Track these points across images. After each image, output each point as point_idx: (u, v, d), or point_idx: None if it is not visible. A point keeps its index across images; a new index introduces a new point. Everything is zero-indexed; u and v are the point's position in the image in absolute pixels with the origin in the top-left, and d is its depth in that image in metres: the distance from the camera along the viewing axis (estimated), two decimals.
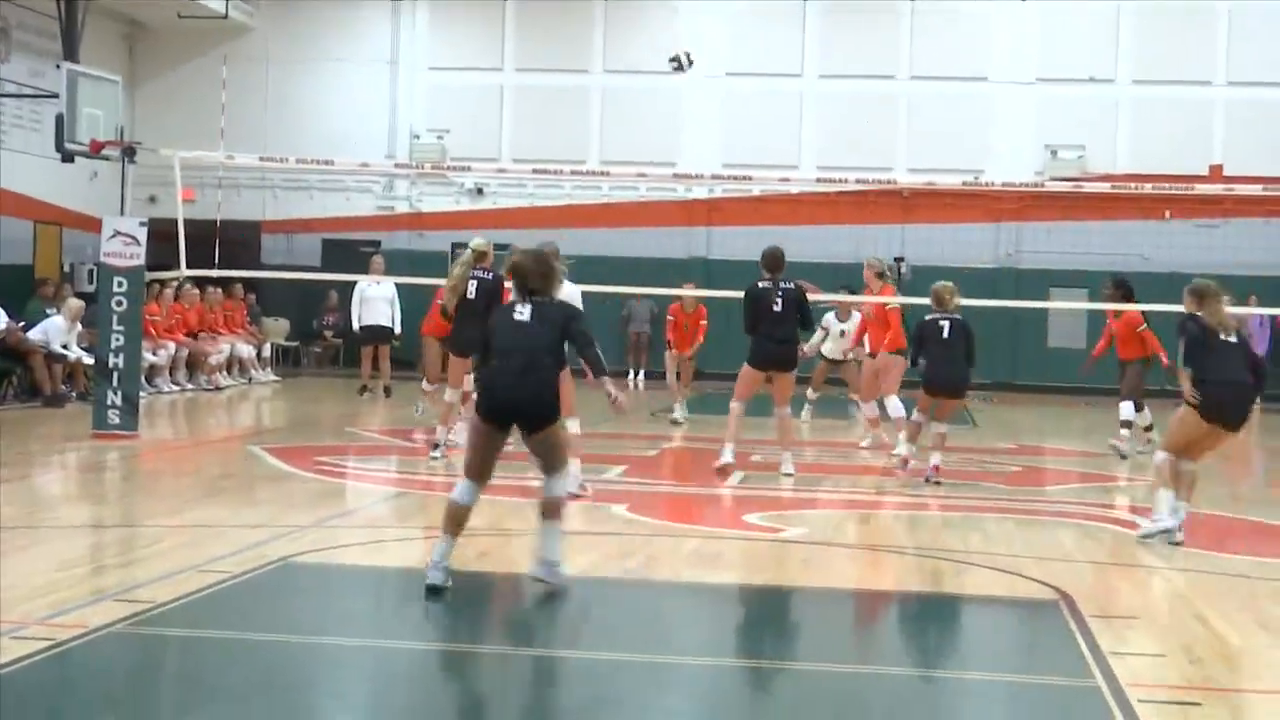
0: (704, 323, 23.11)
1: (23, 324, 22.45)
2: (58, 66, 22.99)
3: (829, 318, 21.76)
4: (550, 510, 9.55)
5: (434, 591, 9.08)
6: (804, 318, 15.82)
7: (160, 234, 19.24)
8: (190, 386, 25.40)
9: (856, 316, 20.95)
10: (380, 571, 10.18)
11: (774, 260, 15.83)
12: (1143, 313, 18.97)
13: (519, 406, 9.27)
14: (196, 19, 31.41)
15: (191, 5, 30.78)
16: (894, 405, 18.09)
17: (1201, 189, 25.62)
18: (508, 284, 9.87)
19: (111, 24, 31.68)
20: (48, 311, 22.86)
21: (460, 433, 17.19)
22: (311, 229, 32.78)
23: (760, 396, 16.17)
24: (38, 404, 21.45)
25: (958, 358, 15.54)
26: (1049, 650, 8.69)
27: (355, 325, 25.33)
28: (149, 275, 18.80)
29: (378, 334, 24.78)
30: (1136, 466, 17.62)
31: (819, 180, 29.03)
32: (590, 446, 17.53)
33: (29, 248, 29.15)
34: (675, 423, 21.54)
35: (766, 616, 9.84)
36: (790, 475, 15.73)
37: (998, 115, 31.86)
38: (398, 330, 25.10)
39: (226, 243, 23.05)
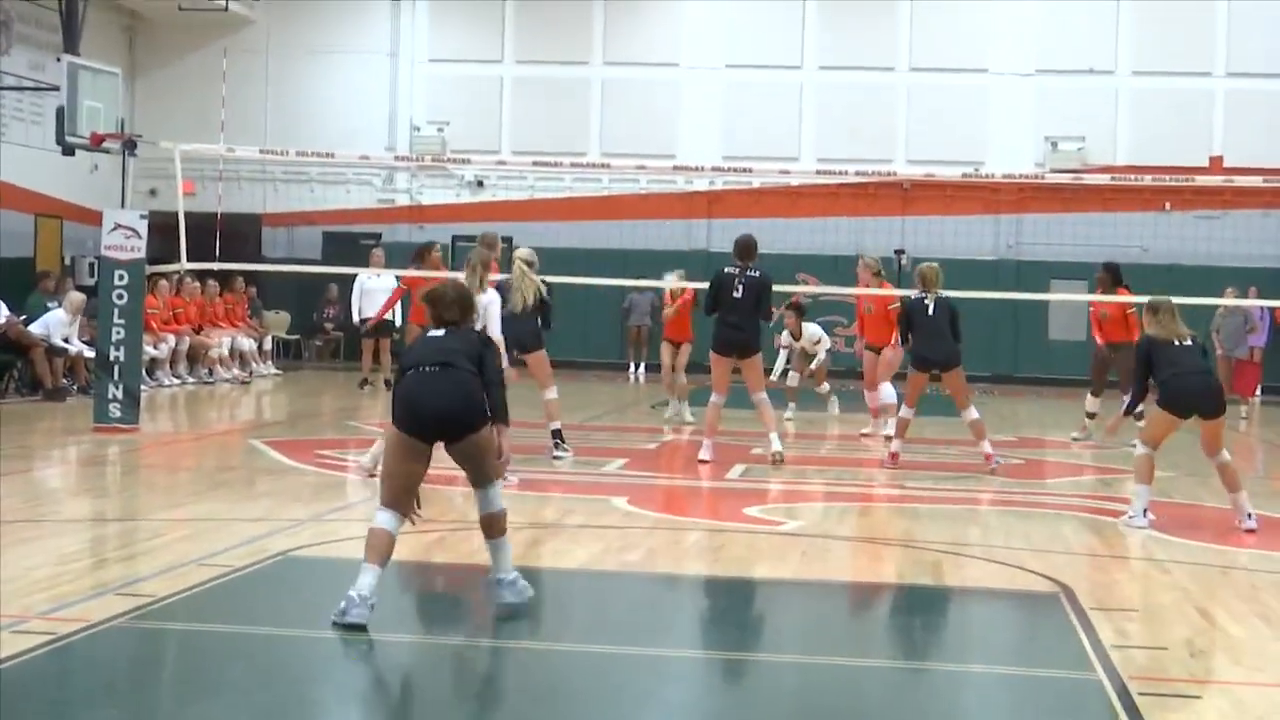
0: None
1: (23, 317, 22.46)
2: (58, 59, 22.97)
3: (785, 336, 22.08)
4: (491, 527, 8.82)
5: (356, 629, 8.12)
6: (762, 308, 15.97)
7: (161, 227, 19.28)
8: (191, 380, 25.41)
9: (812, 329, 22.09)
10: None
11: (744, 249, 16.17)
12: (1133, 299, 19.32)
13: (440, 413, 8.52)
14: (197, 11, 31.41)
15: None
16: (887, 391, 19.07)
17: (1201, 180, 25.66)
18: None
19: (112, 16, 31.69)
20: (48, 305, 22.87)
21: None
22: (312, 222, 32.81)
23: (742, 391, 16.36)
24: (38, 397, 21.46)
25: (943, 333, 16.29)
26: (1049, 643, 8.69)
27: (356, 318, 25.34)
28: (149, 268, 18.81)
29: (378, 327, 24.77)
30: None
31: (819, 172, 28.98)
32: (591, 440, 17.61)
33: (30, 241, 29.17)
34: (687, 422, 20.48)
35: (767, 609, 9.85)
36: (779, 452, 15.93)
37: (997, 107, 31.87)
38: (398, 323, 25.08)
39: (227, 236, 23.01)
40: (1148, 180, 22.90)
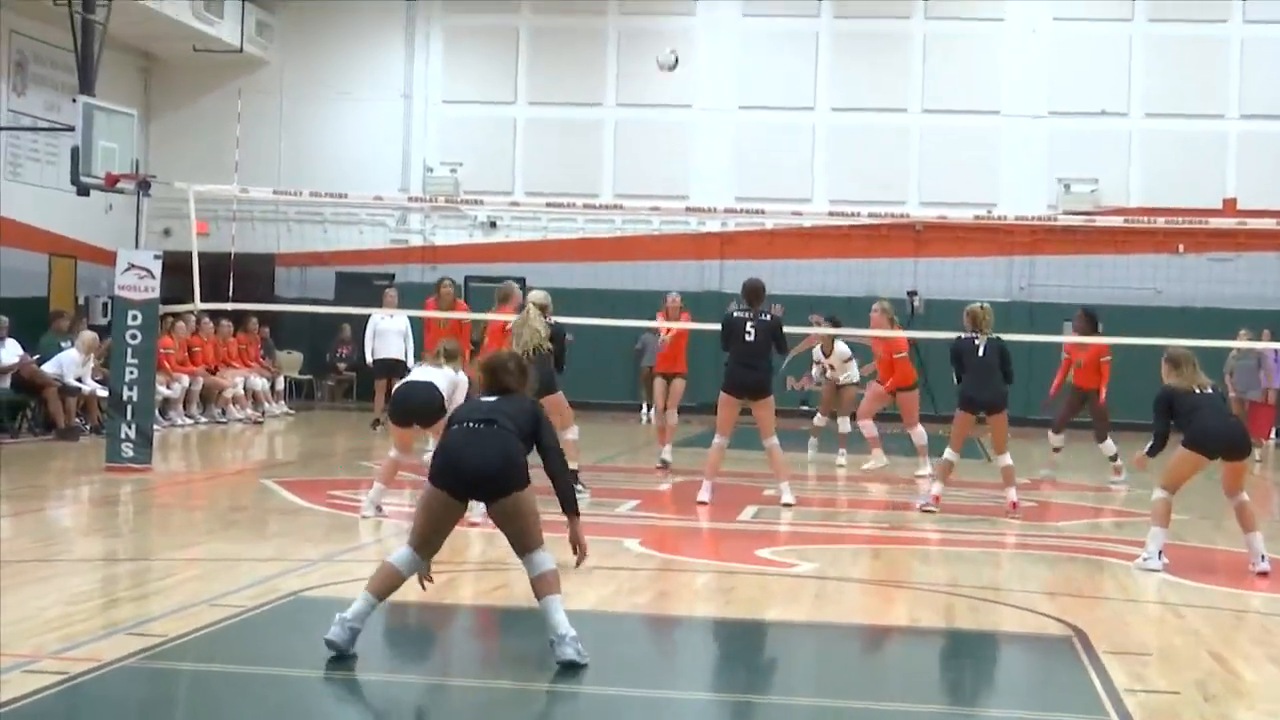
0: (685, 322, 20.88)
1: (37, 357, 22.51)
2: (74, 100, 23.08)
3: (817, 352, 22.00)
4: (544, 586, 8.57)
5: (331, 646, 8.29)
6: (779, 345, 16.19)
7: (174, 267, 19.31)
8: (204, 420, 25.44)
9: (842, 349, 21.64)
10: (391, 606, 10.15)
11: (752, 293, 16.31)
12: (1109, 346, 20.01)
13: (476, 470, 8.41)
14: (211, 53, 31.57)
15: (207, 39, 30.95)
16: (919, 434, 19.68)
17: (1215, 223, 25.62)
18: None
19: (127, 58, 31.84)
20: (62, 345, 22.91)
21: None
22: (325, 262, 32.86)
23: (751, 433, 16.34)
24: (51, 437, 21.50)
25: (994, 374, 16.17)
26: (1062, 687, 8.65)
27: (368, 358, 25.37)
28: (163, 308, 18.85)
29: (391, 367, 24.77)
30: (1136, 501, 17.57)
31: (831, 214, 29.11)
32: (603, 481, 17.58)
33: (44, 280, 29.26)
34: (663, 462, 19.82)
35: (779, 652, 9.82)
36: (790, 505, 15.92)
37: (1010, 149, 31.91)
38: (411, 363, 25.07)
39: (240, 276, 23.06)
40: (1161, 222, 22.87)
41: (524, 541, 8.57)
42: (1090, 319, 20.19)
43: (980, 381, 16.13)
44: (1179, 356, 13.01)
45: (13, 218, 27.80)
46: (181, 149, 31.81)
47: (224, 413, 26.08)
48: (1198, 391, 12.77)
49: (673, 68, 22.79)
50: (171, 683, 8.12)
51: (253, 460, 21.66)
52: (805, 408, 29.80)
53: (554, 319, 15.95)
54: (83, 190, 21.73)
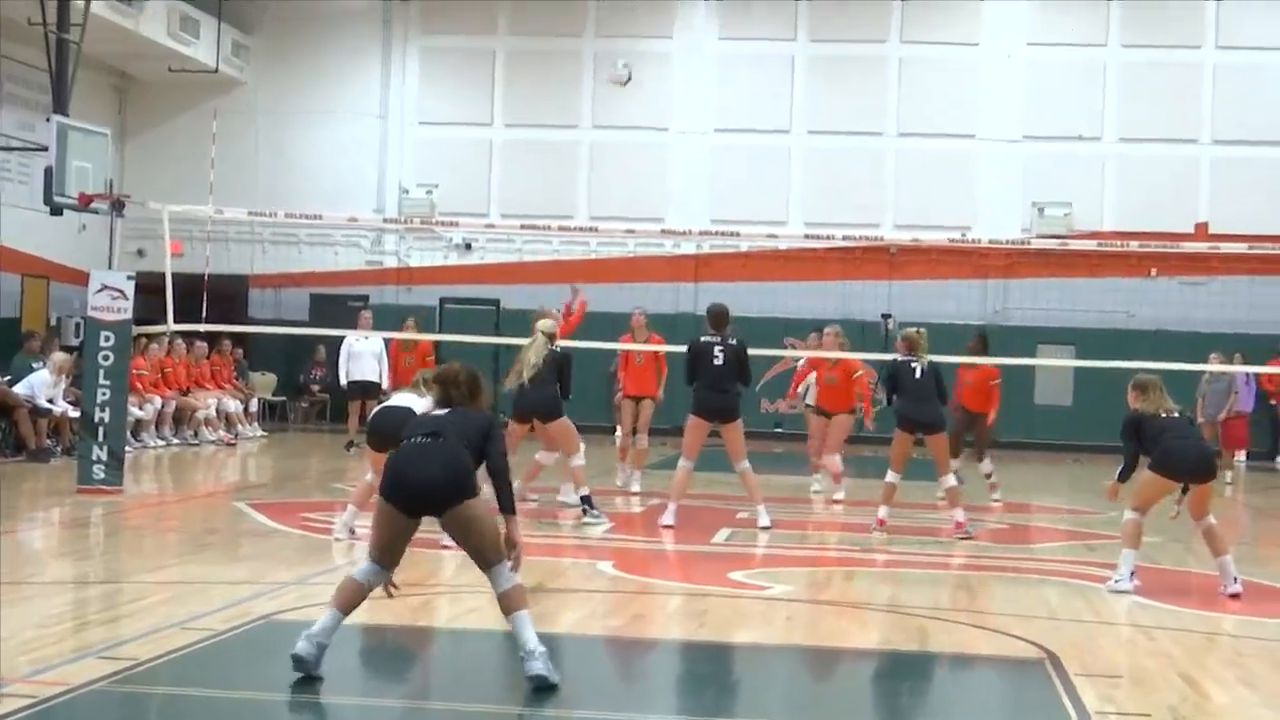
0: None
1: (8, 378, 22.42)
2: (47, 119, 23.00)
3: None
4: (510, 602, 8.54)
5: (298, 662, 8.29)
6: (743, 373, 16.36)
7: (148, 287, 19.24)
8: (176, 441, 25.36)
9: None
10: (363, 629, 10.13)
11: (717, 318, 16.46)
12: (999, 368, 20.20)
13: (420, 483, 8.40)
14: (187, 73, 31.52)
15: (182, 59, 30.90)
16: (835, 460, 19.32)
17: (1188, 247, 25.77)
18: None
19: (102, 77, 31.79)
20: (34, 366, 22.82)
21: (568, 494, 17.27)
22: (299, 283, 32.83)
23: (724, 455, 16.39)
24: (22, 458, 21.40)
25: (931, 397, 16.48)
26: (1034, 710, 8.67)
27: (343, 380, 25.33)
28: (136, 329, 18.79)
29: (365, 389, 24.74)
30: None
31: (807, 236, 29.08)
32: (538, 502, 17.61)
33: (16, 301, 29.17)
34: (633, 492, 19.42)
35: (752, 675, 9.81)
36: (768, 528, 15.95)
37: (985, 172, 32.00)
38: (385, 385, 25.04)
39: (214, 297, 23.00)
40: (1134, 246, 23.01)
41: (485, 556, 8.55)
42: (982, 341, 20.60)
43: (919, 404, 16.33)
44: (1146, 382, 13.10)
45: None
46: (156, 169, 31.74)
47: (196, 434, 25.99)
48: (1164, 415, 12.84)
49: (625, 82, 22.64)
50: (142, 707, 8.09)
51: (225, 482, 21.60)
52: (779, 430, 29.87)
53: (560, 345, 16.47)
54: (56, 210, 21.63)
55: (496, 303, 32.19)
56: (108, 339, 17.67)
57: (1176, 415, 12.98)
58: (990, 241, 27.24)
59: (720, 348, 16.12)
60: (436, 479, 8.40)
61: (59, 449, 22.08)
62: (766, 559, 14.50)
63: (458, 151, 32.98)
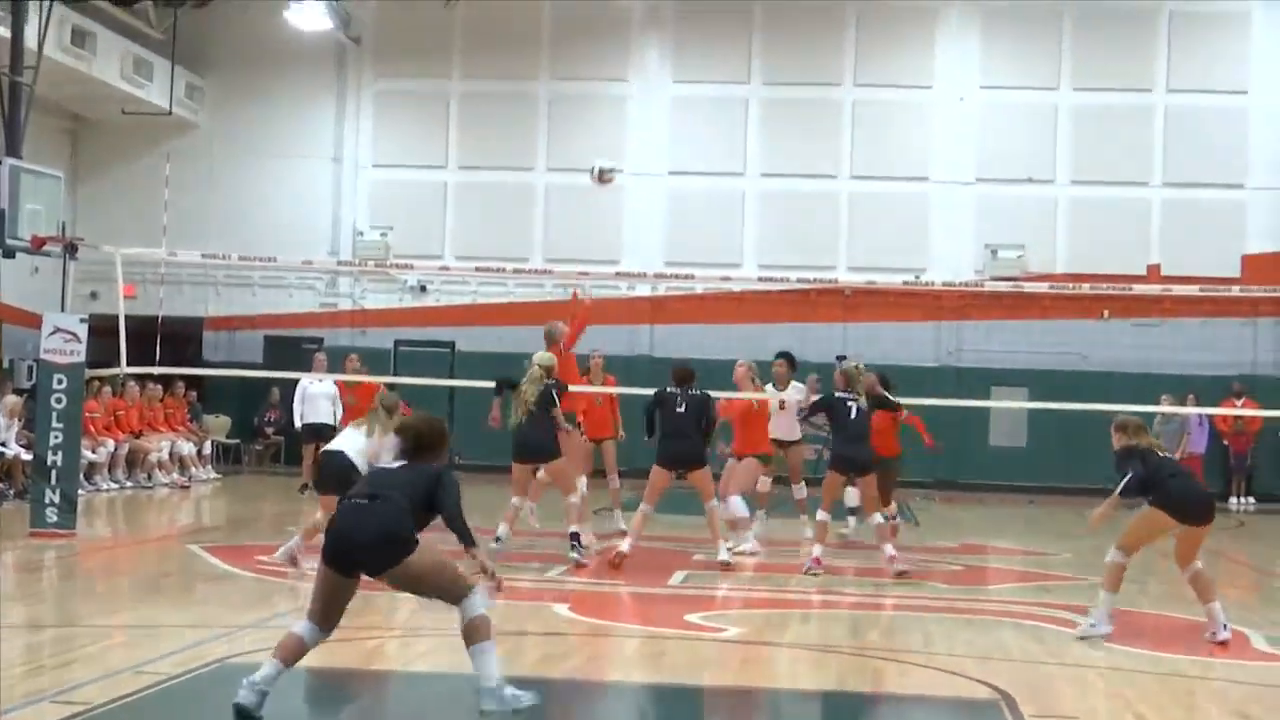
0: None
1: None
2: (0, 162, 22.92)
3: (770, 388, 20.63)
4: (474, 633, 8.58)
5: (240, 712, 8.27)
6: (707, 421, 16.57)
7: (101, 330, 19.16)
8: (129, 484, 25.20)
9: (799, 386, 19.35)
10: (320, 673, 10.09)
11: (682, 377, 16.73)
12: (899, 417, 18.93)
13: (353, 546, 8.44)
14: (140, 115, 31.41)
15: (136, 101, 30.79)
16: (738, 504, 17.96)
17: (1140, 289, 25.87)
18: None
19: (55, 120, 31.67)
20: None
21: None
22: (254, 325, 32.70)
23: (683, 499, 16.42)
24: None
25: (865, 436, 16.40)
26: None
27: (297, 423, 25.24)
28: (89, 372, 18.69)
29: (319, 431, 24.62)
30: (1080, 566, 17.69)
31: (761, 279, 29.24)
32: (534, 545, 17.55)
33: None
34: (619, 530, 18.87)
35: (708, 718, 9.80)
36: (728, 563, 16.11)
37: (938, 215, 32.15)
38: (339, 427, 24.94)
39: (168, 339, 22.92)
40: (1086, 288, 23.07)
41: (446, 598, 8.59)
42: (883, 381, 18.40)
43: (854, 443, 16.25)
44: (1130, 423, 12.83)
45: None
46: (109, 211, 31.63)
47: (150, 477, 25.83)
48: (1162, 454, 12.68)
49: (602, 180, 21.72)
50: None
51: (179, 525, 21.48)
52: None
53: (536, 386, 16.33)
54: (9, 253, 21.54)
55: (451, 345, 32.15)
56: (60, 382, 17.58)
57: (1170, 456, 12.82)
58: (944, 284, 27.36)
59: (682, 397, 16.42)
60: (367, 542, 8.41)
61: (11, 492, 21.91)
62: (723, 601, 14.50)
63: (412, 194, 32.97)
